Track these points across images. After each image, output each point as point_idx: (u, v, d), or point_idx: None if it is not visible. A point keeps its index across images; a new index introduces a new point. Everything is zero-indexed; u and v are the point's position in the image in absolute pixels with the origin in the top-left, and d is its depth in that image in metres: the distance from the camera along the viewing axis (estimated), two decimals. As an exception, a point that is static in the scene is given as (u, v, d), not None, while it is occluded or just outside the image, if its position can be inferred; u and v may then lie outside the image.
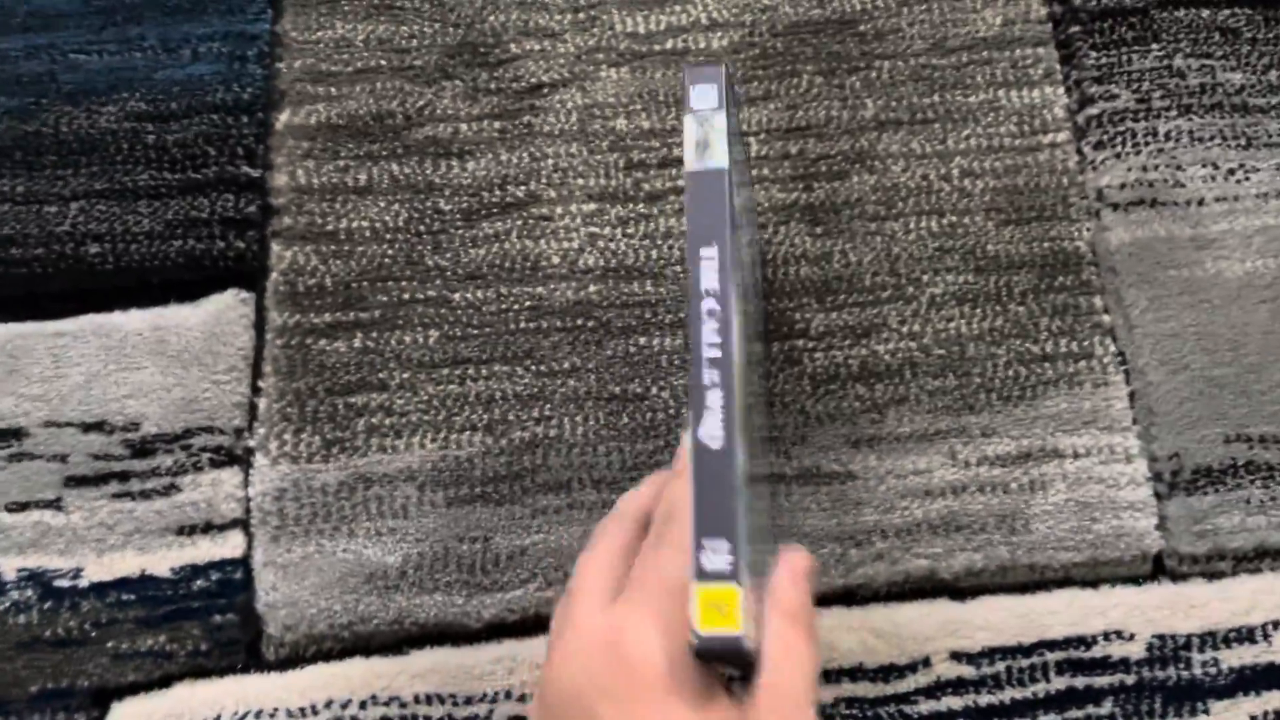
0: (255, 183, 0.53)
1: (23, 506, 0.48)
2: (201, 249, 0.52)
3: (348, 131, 0.54)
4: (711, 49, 0.56)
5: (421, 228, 0.52)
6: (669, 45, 0.56)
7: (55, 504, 0.48)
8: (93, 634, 0.46)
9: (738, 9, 0.56)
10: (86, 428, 0.49)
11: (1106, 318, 0.51)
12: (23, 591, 0.47)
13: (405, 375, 0.50)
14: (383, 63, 0.55)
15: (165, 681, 0.46)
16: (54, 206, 0.52)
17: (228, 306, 0.51)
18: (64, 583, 0.47)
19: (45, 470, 0.48)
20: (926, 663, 0.46)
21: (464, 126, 0.54)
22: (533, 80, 0.55)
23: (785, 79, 0.55)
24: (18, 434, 0.49)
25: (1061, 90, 0.55)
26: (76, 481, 0.48)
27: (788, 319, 0.51)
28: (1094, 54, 0.56)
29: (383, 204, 0.53)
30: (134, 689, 0.46)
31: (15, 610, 0.46)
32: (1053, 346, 0.51)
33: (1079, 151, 0.54)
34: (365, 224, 0.52)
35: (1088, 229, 0.53)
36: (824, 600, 0.47)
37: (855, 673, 0.46)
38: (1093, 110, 0.55)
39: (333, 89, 0.55)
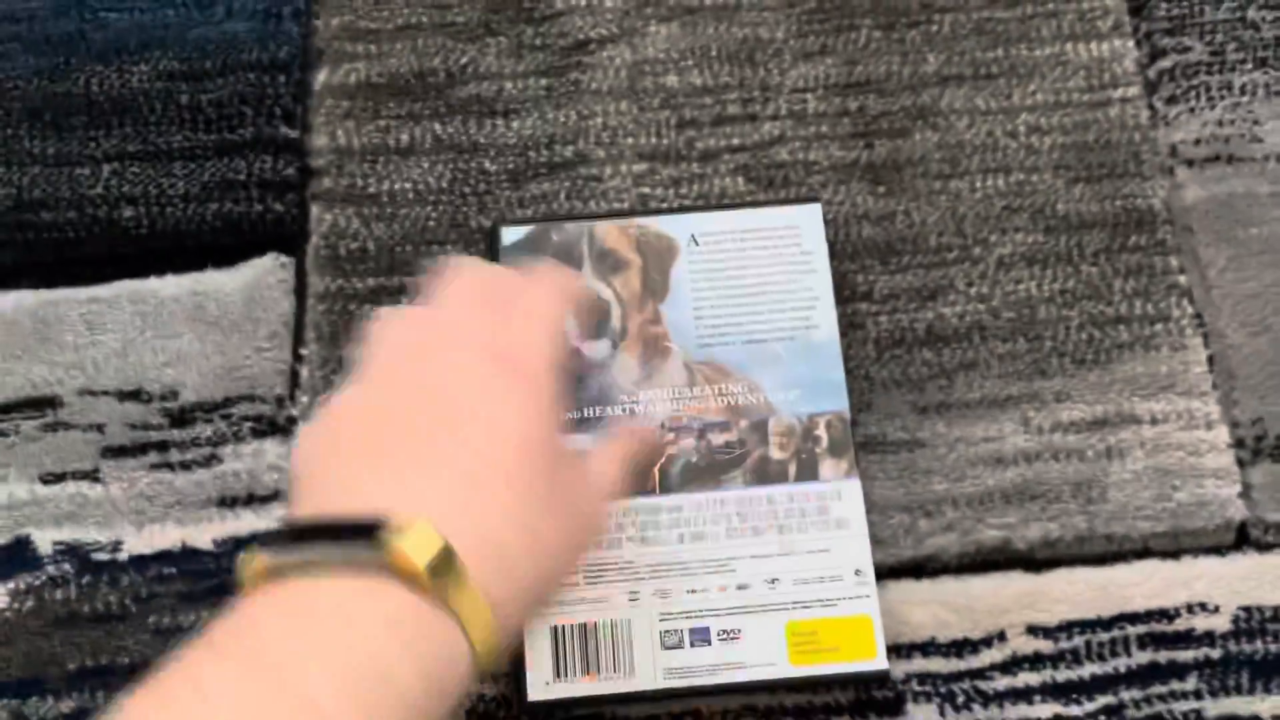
0: (293, 144, 0.51)
1: (59, 478, 0.46)
2: (239, 212, 0.50)
3: (388, 90, 0.52)
4: (766, 2, 0.53)
5: (466, 189, 0.50)
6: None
7: (93, 475, 0.46)
8: (133, 609, 0.44)
9: (792, -39, 0.54)
10: (123, 396, 0.47)
11: (1182, 278, 0.49)
12: (60, 565, 0.45)
13: (453, 340, 0.48)
14: (424, 19, 0.53)
15: (209, 658, 0.44)
16: (86, 169, 0.50)
17: (267, 271, 0.49)
18: (103, 556, 0.45)
19: (81, 440, 0.47)
20: (1002, 637, 0.44)
21: (509, 84, 0.52)
22: (579, 36, 0.53)
23: (843, 33, 0.53)
24: (52, 403, 0.47)
25: (1131, 43, 0.53)
26: (114, 452, 0.46)
27: (850, 281, 0.49)
28: (1165, 5, 0.53)
29: (425, 165, 0.51)
30: (176, 666, 0.44)
31: (52, 585, 0.45)
32: (1127, 308, 0.49)
33: (1150, 106, 0.52)
34: (408, 186, 0.50)
35: (1161, 186, 0.50)
36: (894, 572, 0.45)
37: (927, 647, 0.44)
38: (1164, 63, 0.52)
39: (372, 46, 0.53)
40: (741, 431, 0.45)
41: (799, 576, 0.43)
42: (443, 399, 0.32)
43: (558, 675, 0.42)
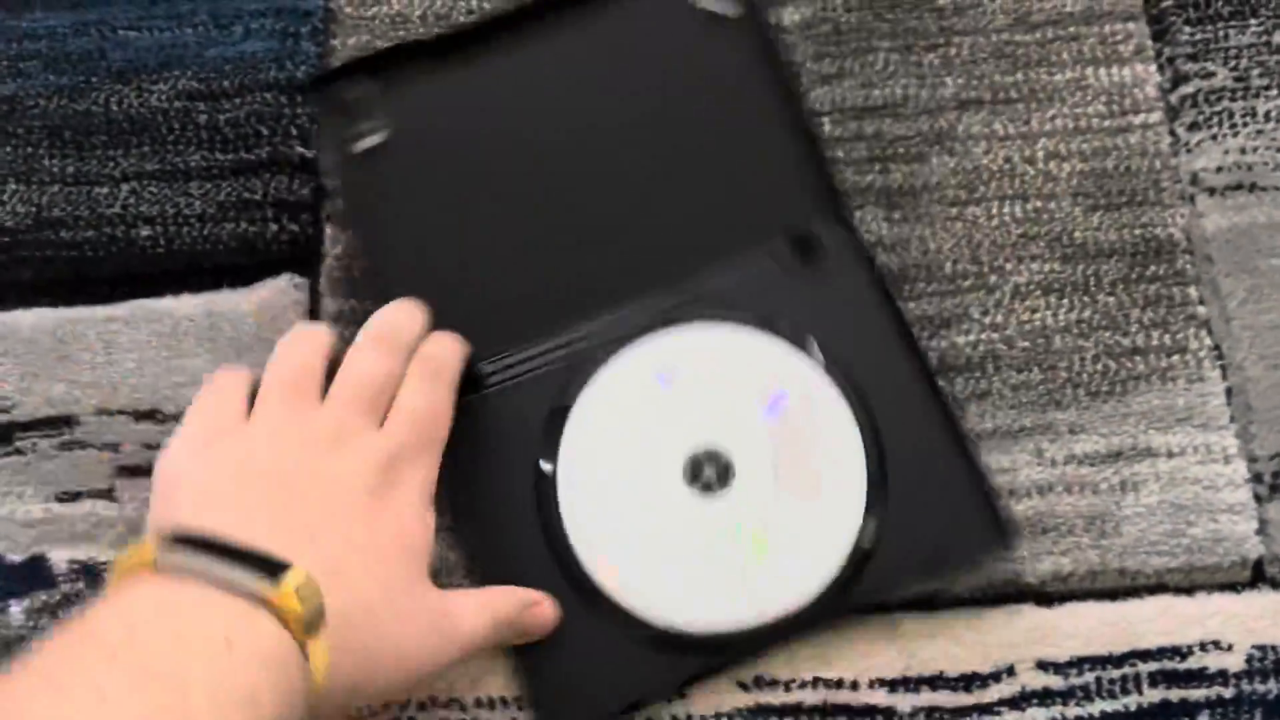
0: (309, 163, 0.51)
1: (75, 496, 0.47)
2: (254, 232, 0.50)
3: (404, 111, 0.52)
4: (784, 23, 0.53)
5: (481, 211, 0.50)
6: (738, 21, 0.53)
7: (108, 494, 0.47)
8: (146, 629, 0.45)
9: (810, -18, 0.54)
10: (139, 416, 0.48)
11: (1202, 309, 0.48)
12: (74, 584, 0.45)
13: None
14: (440, 39, 0.53)
15: (220, 679, 0.44)
16: (105, 188, 0.51)
17: (281, 292, 0.49)
18: (116, 576, 0.45)
19: (97, 459, 0.47)
20: (1011, 671, 0.44)
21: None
22: (596, 58, 0.53)
23: (860, 55, 0.53)
24: (69, 421, 0.48)
25: (1153, 68, 0.52)
26: (129, 471, 0.47)
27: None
28: (1188, 29, 0.53)
29: (441, 186, 0.51)
30: (188, 686, 0.44)
31: (68, 603, 0.45)
32: (1144, 339, 0.48)
33: (1172, 133, 0.51)
34: (423, 207, 0.50)
35: (1182, 215, 0.50)
36: (904, 605, 0.45)
37: (935, 681, 0.44)
38: (1187, 89, 0.52)
39: (388, 67, 0.53)
40: None
41: None
42: (324, 494, 0.37)
43: None
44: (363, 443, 0.39)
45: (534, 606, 0.41)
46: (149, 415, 0.48)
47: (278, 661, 0.30)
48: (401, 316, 0.43)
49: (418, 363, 0.42)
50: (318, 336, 0.43)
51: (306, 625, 0.31)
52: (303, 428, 0.39)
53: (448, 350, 0.43)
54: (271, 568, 0.31)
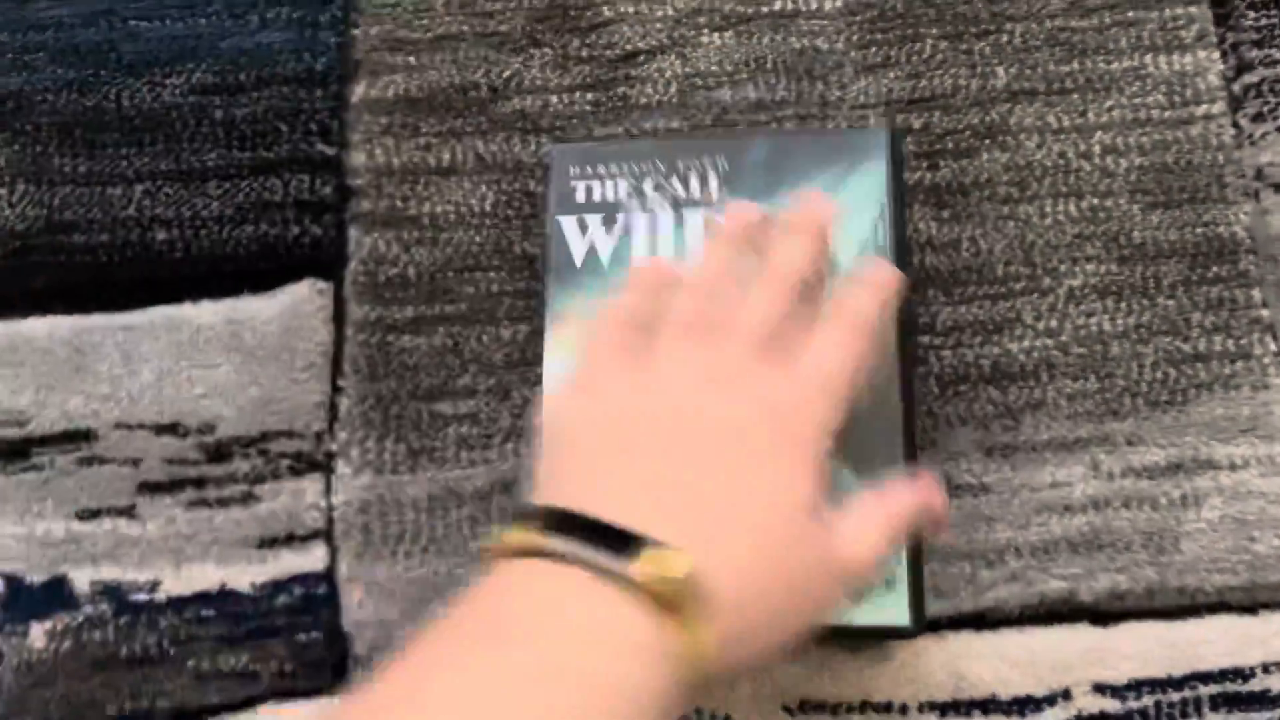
0: (331, 162, 0.49)
1: (95, 514, 0.45)
2: (275, 235, 0.48)
3: (429, 105, 0.50)
4: (824, 9, 0.50)
5: (510, 212, 0.48)
6: (777, 6, 0.50)
7: (129, 512, 0.45)
8: (172, 652, 0.43)
9: (853, -35, 0.51)
10: (159, 429, 0.46)
11: (1266, 312, 0.46)
12: (98, 606, 0.44)
13: (492, 380, 0.46)
14: (465, 28, 0.51)
15: (249, 703, 0.43)
16: (118, 188, 0.49)
17: (304, 298, 0.47)
18: (141, 596, 0.44)
19: (117, 475, 0.46)
20: (1066, 695, 0.42)
21: (554, 99, 0.50)
22: (628, 47, 0.50)
23: (906, 44, 0.50)
24: (87, 436, 0.46)
25: (1216, 55, 0.49)
26: (150, 488, 0.45)
27: (911, 313, 0.47)
28: (1253, 13, 0.50)
29: (468, 186, 0.49)
30: (215, 710, 0.43)
31: (90, 626, 0.44)
32: (1206, 345, 0.46)
33: (1235, 124, 0.49)
34: (450, 208, 0.48)
35: (1245, 212, 0.47)
36: (953, 624, 0.44)
37: (987, 704, 0.42)
38: (1251, 77, 0.49)
39: (411, 58, 0.50)
40: None
41: None
42: (712, 446, 0.33)
43: None
44: (765, 388, 0.35)
45: (932, 506, 0.37)
46: (170, 429, 0.46)
47: (651, 647, 0.29)
48: (802, 255, 0.38)
49: (840, 310, 0.37)
50: (734, 261, 0.38)
51: (695, 616, 0.30)
52: (706, 367, 0.35)
53: (872, 300, 0.38)
54: (662, 559, 0.29)
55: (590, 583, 0.29)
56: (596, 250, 0.45)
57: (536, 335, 0.46)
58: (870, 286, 0.38)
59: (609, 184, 0.45)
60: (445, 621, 0.29)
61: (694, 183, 0.45)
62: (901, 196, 0.44)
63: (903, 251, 0.43)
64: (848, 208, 0.42)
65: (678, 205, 0.45)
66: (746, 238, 0.39)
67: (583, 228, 0.45)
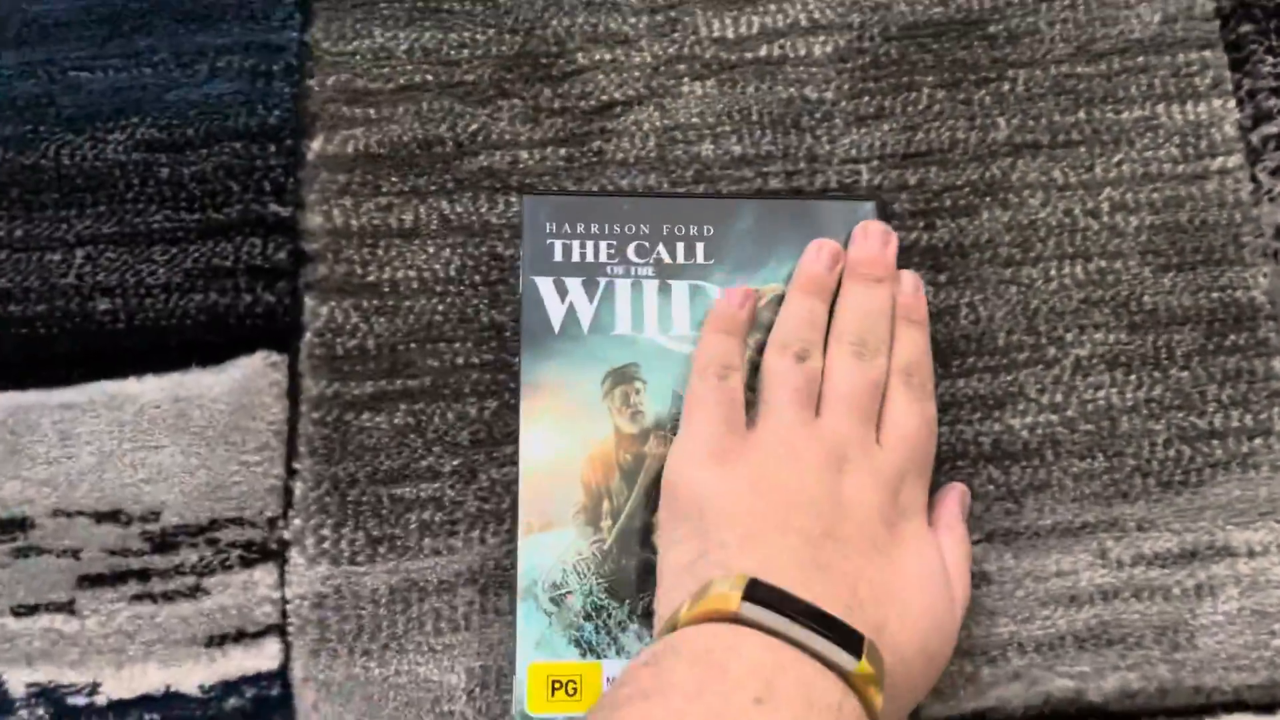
0: (284, 223, 0.46)
1: (31, 610, 0.42)
2: (225, 304, 0.45)
3: (390, 162, 0.46)
4: (813, 55, 0.47)
5: (477, 278, 0.45)
6: (763, 52, 0.47)
7: (68, 607, 0.42)
8: (113, 761, 0.40)
9: (844, 8, 0.47)
10: (100, 517, 0.43)
11: (1287, 384, 0.43)
12: (33, 710, 0.41)
13: (458, 461, 0.43)
14: (429, 77, 0.47)
15: (196, 816, 0.40)
16: (57, 254, 0.45)
17: (256, 373, 0.44)
18: (79, 700, 0.41)
19: (55, 567, 0.42)
20: (1074, 804, 0.40)
21: (524, 154, 0.46)
22: (603, 97, 0.47)
23: (901, 93, 0.47)
24: (23, 525, 0.43)
25: (1233, 103, 0.46)
26: (91, 581, 0.42)
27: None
28: (1271, 58, 0.47)
29: (431, 249, 0.45)
30: (161, 824, 0.40)
31: (26, 732, 0.41)
32: (1222, 420, 0.43)
33: (1254, 179, 0.46)
34: (412, 274, 0.45)
35: (1265, 275, 0.44)
36: (952, 726, 0.41)
37: (989, 815, 0.40)
38: (1270, 128, 0.46)
39: (371, 110, 0.47)
40: None
41: None
42: (855, 528, 0.37)
43: None
44: (869, 463, 0.38)
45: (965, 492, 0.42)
46: (112, 517, 0.43)
47: None
48: (878, 321, 0.41)
49: (901, 376, 0.41)
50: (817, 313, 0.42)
51: (875, 691, 0.33)
52: (810, 442, 0.38)
53: (925, 354, 0.42)
54: (850, 641, 0.33)
55: (800, 660, 0.32)
56: (576, 315, 0.42)
57: (507, 410, 0.43)
58: (917, 326, 0.42)
59: (589, 244, 0.42)
60: (657, 677, 0.32)
61: (680, 249, 0.43)
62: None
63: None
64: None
65: (663, 273, 0.42)
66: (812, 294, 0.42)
67: (561, 291, 0.42)
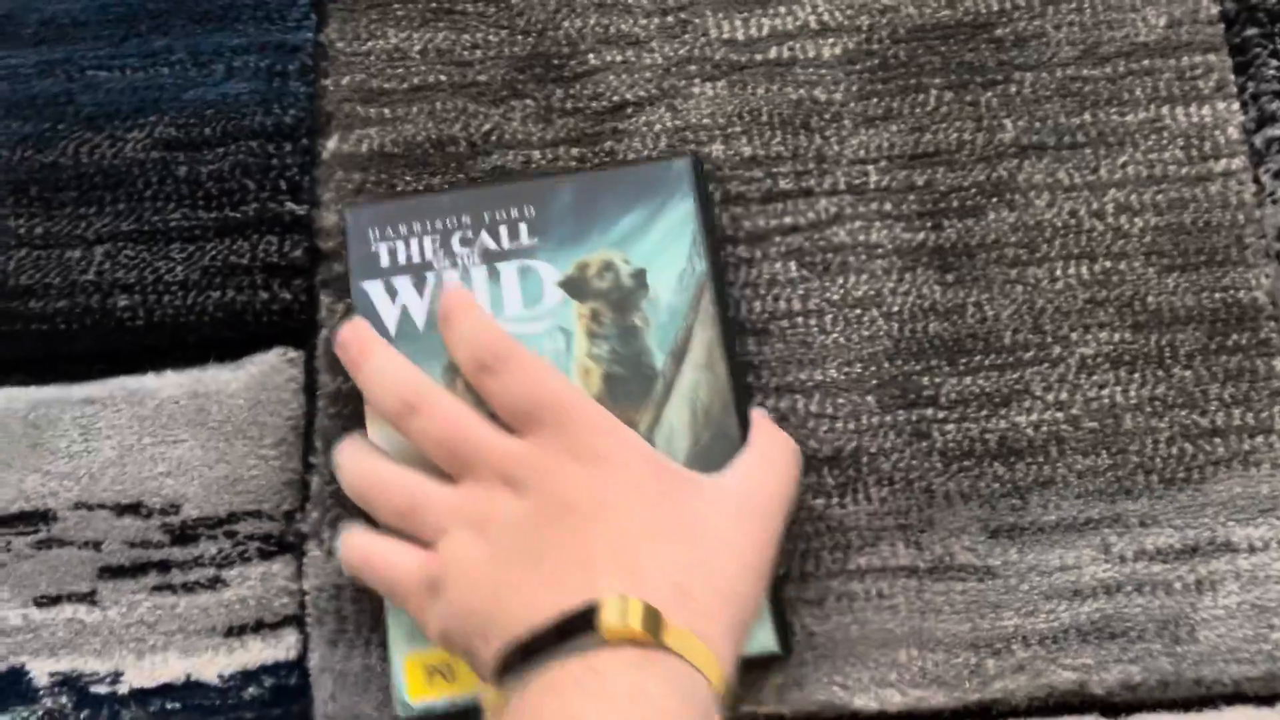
0: (301, 222, 0.46)
1: (54, 600, 0.43)
2: (243, 301, 0.46)
3: (404, 161, 0.47)
4: (822, 57, 0.48)
5: (490, 275, 0.46)
6: (772, 54, 0.48)
7: (89, 598, 0.43)
8: (135, 749, 0.41)
9: (852, 10, 0.48)
10: (121, 510, 0.44)
11: (1288, 383, 0.44)
12: (57, 699, 0.42)
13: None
14: (442, 78, 0.48)
15: (216, 804, 0.41)
16: (77, 251, 0.46)
17: (273, 369, 0.45)
18: (102, 689, 0.42)
19: (77, 559, 0.43)
20: (1076, 793, 0.40)
21: (536, 154, 0.47)
22: (615, 98, 0.48)
23: (909, 94, 0.47)
24: (45, 517, 0.44)
25: (1237, 106, 0.47)
26: (112, 572, 0.43)
27: (914, 384, 0.44)
28: (1275, 62, 0.47)
29: (446, 247, 0.46)
30: (181, 811, 0.41)
31: (49, 721, 0.42)
32: (1224, 419, 0.44)
33: (1257, 181, 0.46)
34: (427, 271, 0.46)
35: (1266, 276, 0.45)
36: (956, 716, 0.41)
37: (993, 805, 0.40)
38: (1274, 131, 0.47)
39: (386, 110, 0.48)
40: None
41: None
42: (586, 499, 0.37)
43: None
44: (548, 472, 0.38)
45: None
46: (133, 509, 0.44)
47: (656, 666, 0.34)
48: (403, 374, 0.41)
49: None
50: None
51: (647, 628, 0.34)
52: (497, 511, 0.38)
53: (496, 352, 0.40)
54: (586, 620, 0.34)
55: (574, 663, 0.34)
56: (410, 314, 0.43)
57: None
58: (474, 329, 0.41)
59: (414, 242, 0.43)
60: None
61: (504, 234, 0.43)
62: (711, 221, 0.44)
63: (719, 275, 0.43)
64: (662, 242, 0.43)
65: (489, 259, 0.43)
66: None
67: (391, 292, 0.43)
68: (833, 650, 0.42)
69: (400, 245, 0.43)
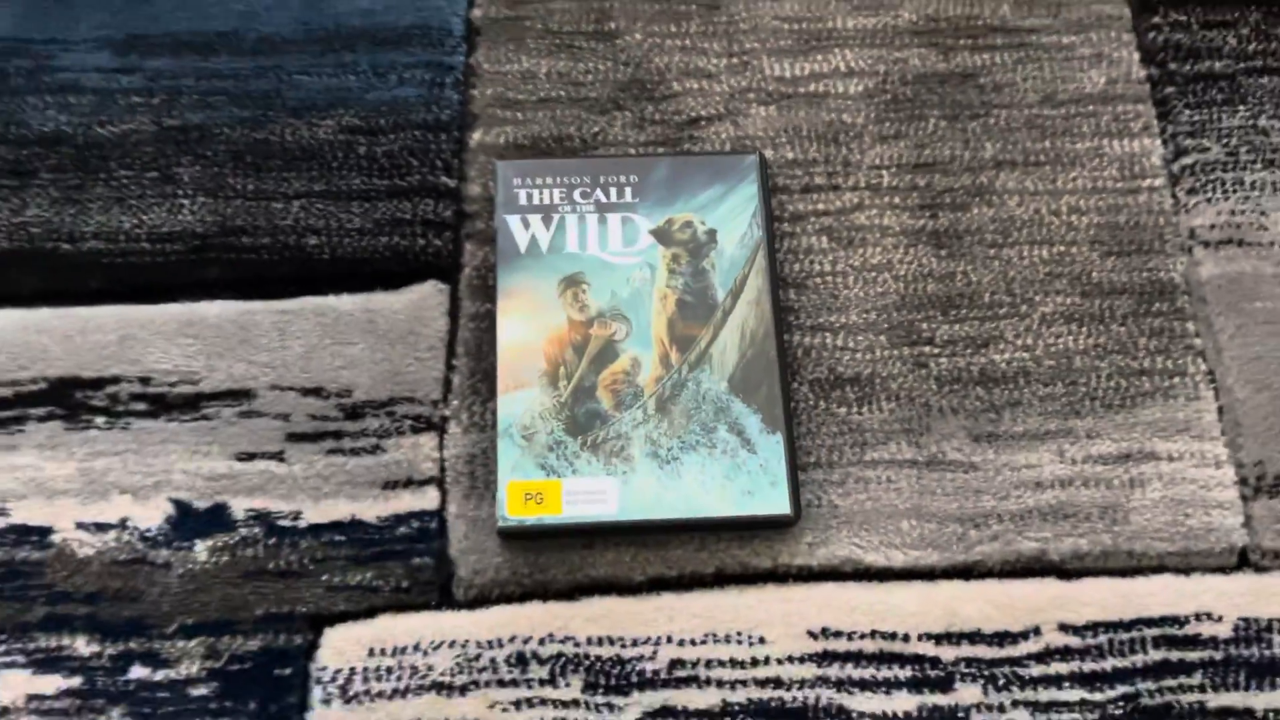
0: (452, 191, 0.61)
1: (251, 456, 0.55)
2: (405, 245, 0.59)
3: (532, 151, 0.62)
4: (849, 92, 0.63)
5: (595, 236, 0.60)
6: (812, 88, 0.63)
7: (279, 456, 0.55)
8: (310, 568, 0.53)
9: (872, 60, 0.64)
10: (306, 392, 0.56)
11: (1198, 341, 0.58)
12: (250, 529, 0.54)
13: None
14: (562, 93, 0.63)
15: (371, 612, 0.53)
16: (279, 203, 0.60)
17: (427, 295, 0.59)
18: (285, 523, 0.54)
19: (270, 427, 0.56)
20: (1037, 631, 0.52)
21: (632, 152, 0.62)
22: (691, 114, 0.63)
23: (914, 121, 0.63)
24: (248, 394, 0.56)
25: (1158, 142, 0.62)
26: (297, 438, 0.56)
27: (915, 328, 0.58)
28: (1188, 112, 0.63)
29: (562, 214, 0.60)
30: (344, 617, 0.53)
31: (244, 544, 0.53)
32: (1150, 363, 0.57)
33: (1174, 195, 0.61)
34: (547, 230, 0.60)
35: (1181, 263, 0.60)
36: (947, 573, 0.54)
37: (974, 636, 0.52)
38: (1186, 160, 0.62)
39: (519, 114, 0.63)
40: None
41: None
42: None
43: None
44: None
45: None
46: (315, 392, 0.57)
47: None
48: None
49: None
50: None
51: None
52: None
53: None
54: None
55: None
56: (537, 241, 0.57)
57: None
58: None
59: (545, 191, 0.58)
60: None
61: (613, 192, 0.58)
62: (767, 202, 0.58)
63: (770, 240, 0.57)
64: (731, 211, 0.58)
65: (601, 209, 0.57)
66: None
67: (525, 224, 0.57)
68: (851, 519, 0.55)
69: (535, 192, 0.58)
